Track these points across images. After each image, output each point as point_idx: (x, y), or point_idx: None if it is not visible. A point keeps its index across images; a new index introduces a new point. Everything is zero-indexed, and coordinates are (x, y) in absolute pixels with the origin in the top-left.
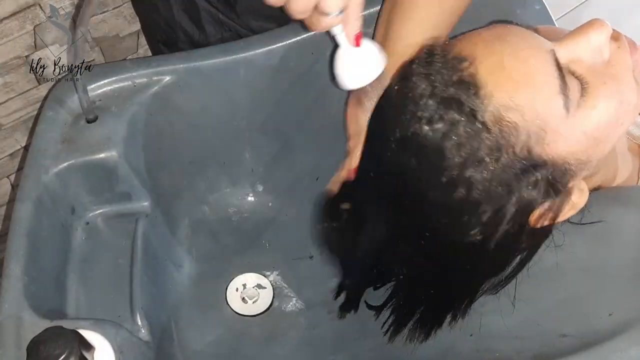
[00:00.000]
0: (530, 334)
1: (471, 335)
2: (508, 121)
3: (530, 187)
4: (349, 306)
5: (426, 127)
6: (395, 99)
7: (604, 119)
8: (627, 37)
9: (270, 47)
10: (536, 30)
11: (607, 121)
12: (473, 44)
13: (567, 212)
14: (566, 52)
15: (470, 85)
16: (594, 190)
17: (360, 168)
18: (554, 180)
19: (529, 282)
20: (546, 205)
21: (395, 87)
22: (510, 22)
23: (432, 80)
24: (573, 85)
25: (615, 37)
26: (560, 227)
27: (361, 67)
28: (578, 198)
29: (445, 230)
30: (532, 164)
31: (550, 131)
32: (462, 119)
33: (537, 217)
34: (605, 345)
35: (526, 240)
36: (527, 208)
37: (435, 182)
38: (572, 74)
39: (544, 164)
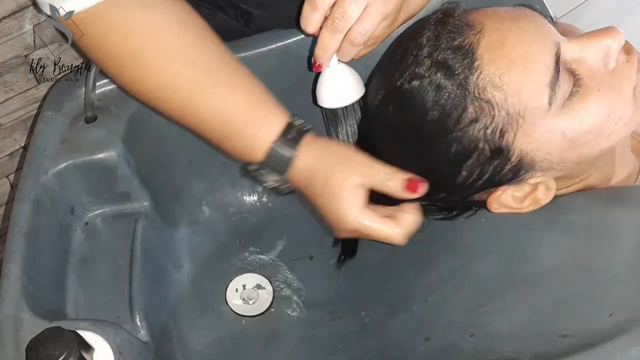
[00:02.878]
0: (531, 334)
1: (472, 335)
2: (490, 99)
3: (485, 170)
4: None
5: (415, 82)
6: (400, 49)
7: (586, 124)
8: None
9: (270, 47)
10: (555, 24)
11: (589, 128)
12: (487, 16)
13: (529, 207)
14: (573, 49)
15: (468, 54)
16: (587, 190)
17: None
18: (511, 171)
19: (529, 283)
20: (506, 193)
21: (404, 38)
22: (535, 9)
23: (437, 38)
24: (565, 83)
25: (628, 50)
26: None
27: (343, 87)
28: (543, 194)
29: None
30: (497, 149)
31: (528, 121)
32: (449, 86)
33: (496, 205)
34: (606, 345)
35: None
36: (475, 186)
37: (410, 136)
38: (572, 72)
39: (508, 153)
